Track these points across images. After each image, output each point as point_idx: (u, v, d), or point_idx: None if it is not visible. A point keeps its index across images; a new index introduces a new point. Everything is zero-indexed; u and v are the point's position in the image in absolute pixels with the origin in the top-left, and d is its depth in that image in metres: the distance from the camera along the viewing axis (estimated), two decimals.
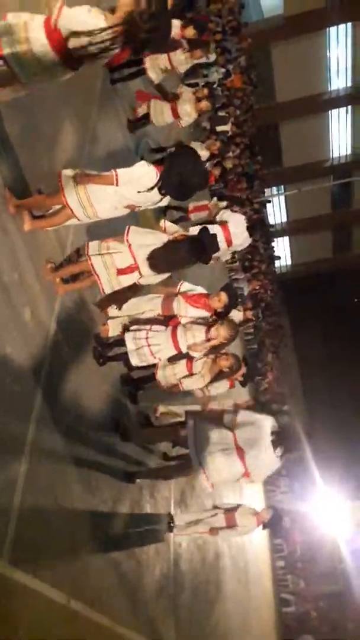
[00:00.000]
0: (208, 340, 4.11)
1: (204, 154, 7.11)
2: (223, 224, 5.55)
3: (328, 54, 22.01)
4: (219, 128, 9.47)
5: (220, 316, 4.26)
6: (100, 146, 5.27)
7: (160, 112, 6.28)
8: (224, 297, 4.22)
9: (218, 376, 4.64)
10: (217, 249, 3.87)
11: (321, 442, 22.14)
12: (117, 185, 3.24)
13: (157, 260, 3.52)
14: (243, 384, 5.39)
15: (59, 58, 2.61)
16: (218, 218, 5.77)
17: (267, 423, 4.57)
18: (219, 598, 7.03)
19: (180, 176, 3.28)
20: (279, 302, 24.91)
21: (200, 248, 3.62)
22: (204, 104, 6.41)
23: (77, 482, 3.57)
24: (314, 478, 18.97)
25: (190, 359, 4.44)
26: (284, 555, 19.03)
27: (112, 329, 4.32)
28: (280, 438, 4.50)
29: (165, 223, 3.85)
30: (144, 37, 2.60)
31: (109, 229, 3.76)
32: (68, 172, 3.28)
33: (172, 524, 5.41)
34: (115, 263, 3.52)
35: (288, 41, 21.09)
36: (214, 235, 3.78)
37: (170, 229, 3.79)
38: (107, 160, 5.17)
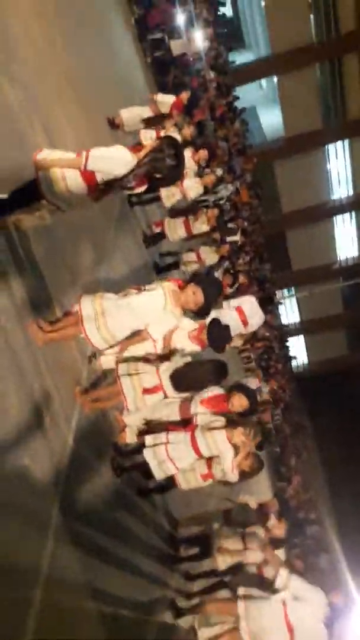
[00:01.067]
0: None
1: (214, 258, 7.51)
2: (237, 306, 5.78)
3: (328, 167, 23.70)
4: (229, 239, 10.04)
5: (242, 417, 4.27)
6: (119, 259, 5.61)
7: (174, 229, 6.80)
8: (244, 401, 4.21)
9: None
10: (229, 340, 4.04)
11: (353, 544, 20.55)
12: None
13: (178, 379, 3.68)
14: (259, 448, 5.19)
15: (87, 188, 2.97)
16: (226, 306, 6.03)
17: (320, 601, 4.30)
18: None
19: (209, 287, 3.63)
20: (298, 402, 24.51)
21: (221, 369, 3.77)
22: (211, 213, 6.96)
23: (93, 610, 3.36)
24: (351, 590, 17.30)
25: (209, 458, 4.38)
26: None
27: (130, 435, 4.29)
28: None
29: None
30: (168, 163, 2.99)
31: None
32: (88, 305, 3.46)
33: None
34: (142, 383, 3.66)
35: (290, 159, 22.85)
36: (227, 327, 3.96)
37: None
38: (125, 275, 5.47)
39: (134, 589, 4.08)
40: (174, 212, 6.88)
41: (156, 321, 3.60)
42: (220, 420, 4.19)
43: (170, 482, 4.57)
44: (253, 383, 9.10)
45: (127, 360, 3.81)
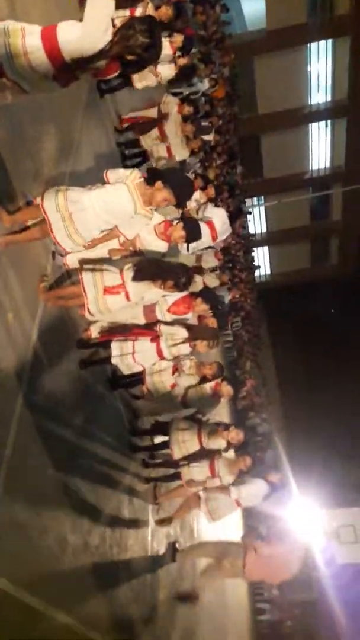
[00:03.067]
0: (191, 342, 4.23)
1: (184, 153, 7.19)
2: (208, 221, 5.73)
3: (309, 68, 22.46)
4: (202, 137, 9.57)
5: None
6: (86, 148, 5.29)
7: (148, 136, 6.43)
8: (205, 306, 4.35)
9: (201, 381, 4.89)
10: (199, 236, 4.07)
11: (298, 449, 22.34)
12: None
13: (140, 269, 3.65)
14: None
15: (53, 68, 2.66)
16: (201, 214, 5.95)
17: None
18: (194, 604, 7.02)
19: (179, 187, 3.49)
20: (259, 311, 25.14)
21: (185, 271, 3.78)
22: (189, 127, 6.56)
23: (53, 485, 3.57)
24: (290, 485, 19.09)
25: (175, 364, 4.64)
26: None
27: (95, 333, 4.34)
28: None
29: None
30: (139, 52, 2.68)
31: None
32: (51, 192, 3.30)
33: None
34: (104, 281, 3.62)
35: (270, 54, 21.48)
36: (196, 222, 4.05)
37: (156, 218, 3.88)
38: (93, 167, 5.19)
39: (97, 479, 4.34)
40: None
41: (127, 225, 3.51)
42: (183, 334, 4.32)
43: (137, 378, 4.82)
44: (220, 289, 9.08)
45: (92, 262, 3.74)
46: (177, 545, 6.09)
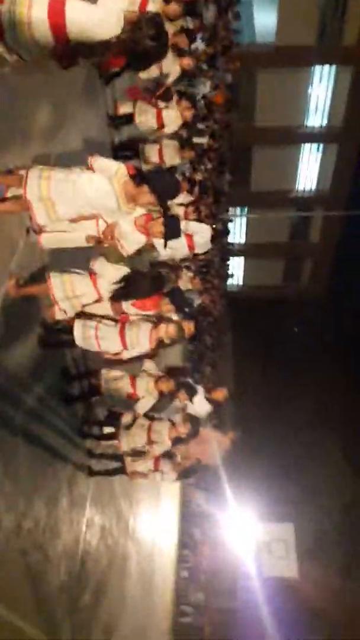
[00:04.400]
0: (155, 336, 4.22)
1: (176, 160, 7.15)
2: (189, 234, 5.84)
3: (310, 90, 22.79)
4: (196, 140, 9.57)
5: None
6: (76, 132, 5.22)
7: (144, 113, 6.28)
8: (170, 307, 4.36)
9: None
10: (179, 234, 4.11)
11: (243, 460, 22.61)
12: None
13: (119, 295, 3.93)
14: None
15: (54, 44, 2.61)
16: (184, 228, 5.95)
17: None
18: (120, 602, 7.02)
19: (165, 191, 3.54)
20: (225, 319, 25.32)
21: (159, 281, 3.99)
22: (188, 114, 6.47)
23: None
24: (230, 495, 19.29)
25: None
26: (189, 566, 19.19)
27: (59, 313, 4.28)
28: None
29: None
30: (147, 43, 2.67)
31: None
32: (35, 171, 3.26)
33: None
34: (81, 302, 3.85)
35: (275, 69, 21.67)
36: (177, 218, 4.06)
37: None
38: (81, 151, 5.13)
39: (40, 462, 4.28)
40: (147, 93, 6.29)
41: (109, 216, 3.51)
42: (150, 320, 4.32)
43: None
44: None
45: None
46: None
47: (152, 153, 6.60)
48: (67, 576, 4.87)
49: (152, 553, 10.51)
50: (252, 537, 21.19)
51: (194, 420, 5.32)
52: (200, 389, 5.72)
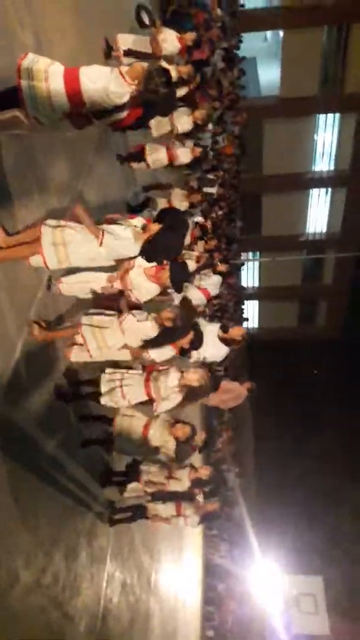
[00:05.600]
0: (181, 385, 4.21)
1: (184, 204, 7.41)
2: (204, 289, 6.30)
3: (316, 137, 23.48)
4: (206, 189, 9.85)
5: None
6: (92, 190, 5.41)
7: (155, 152, 6.57)
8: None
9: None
10: (188, 278, 4.41)
11: (269, 507, 21.91)
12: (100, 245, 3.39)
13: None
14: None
15: (70, 109, 2.78)
16: (197, 284, 6.32)
17: None
18: None
19: (165, 251, 3.62)
20: (242, 362, 25.18)
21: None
22: (198, 151, 6.85)
23: (11, 514, 3.46)
24: (255, 547, 18.57)
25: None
26: (215, 624, 18.29)
27: (75, 355, 4.30)
28: None
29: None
30: (159, 94, 2.85)
31: None
32: (51, 223, 3.39)
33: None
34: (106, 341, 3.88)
35: (280, 120, 22.42)
36: (185, 265, 4.18)
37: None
38: (97, 205, 5.31)
39: (59, 513, 4.22)
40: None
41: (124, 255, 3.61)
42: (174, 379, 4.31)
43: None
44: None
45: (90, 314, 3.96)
46: None
47: (161, 203, 6.92)
48: (87, 634, 4.70)
49: (176, 609, 10.08)
50: (278, 591, 20.21)
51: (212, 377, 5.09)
52: (215, 328, 5.17)
